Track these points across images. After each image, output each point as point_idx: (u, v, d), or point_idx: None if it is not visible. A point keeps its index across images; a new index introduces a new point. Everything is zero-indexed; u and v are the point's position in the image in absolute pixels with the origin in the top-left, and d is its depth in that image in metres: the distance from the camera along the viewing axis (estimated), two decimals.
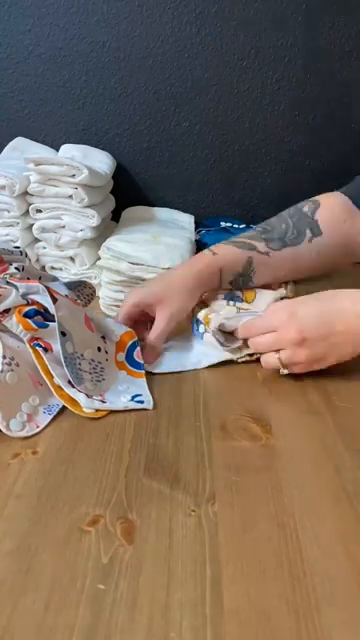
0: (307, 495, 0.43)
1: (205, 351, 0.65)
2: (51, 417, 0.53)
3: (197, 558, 0.37)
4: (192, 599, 0.34)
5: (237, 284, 0.68)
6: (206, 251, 0.67)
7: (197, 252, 0.89)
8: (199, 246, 0.93)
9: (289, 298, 0.67)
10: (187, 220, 0.99)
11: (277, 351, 0.57)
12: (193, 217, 0.99)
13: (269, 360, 0.58)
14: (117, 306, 0.79)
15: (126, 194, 1.05)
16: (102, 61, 0.99)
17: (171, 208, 1.05)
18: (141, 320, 0.66)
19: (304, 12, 0.95)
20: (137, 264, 0.77)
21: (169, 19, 0.96)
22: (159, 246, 0.81)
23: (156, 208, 1.02)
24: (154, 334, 0.64)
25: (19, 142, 1.00)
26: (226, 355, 0.63)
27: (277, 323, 0.56)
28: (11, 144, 0.99)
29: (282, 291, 0.69)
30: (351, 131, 1.03)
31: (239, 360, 0.63)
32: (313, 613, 0.33)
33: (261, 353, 0.59)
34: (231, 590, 0.35)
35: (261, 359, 0.59)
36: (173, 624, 0.32)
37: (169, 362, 0.64)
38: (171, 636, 0.32)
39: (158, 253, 0.78)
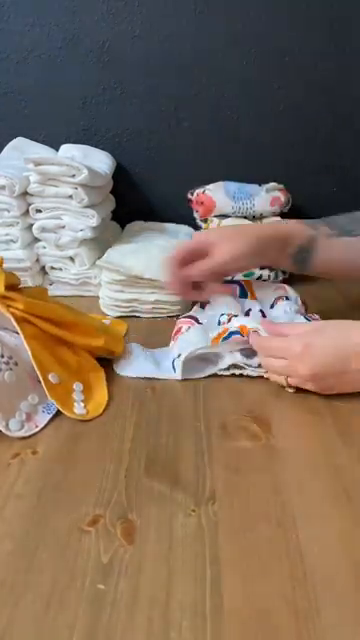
0: (307, 495, 0.43)
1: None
2: (50, 416, 0.53)
3: (197, 558, 0.37)
4: (192, 599, 0.34)
5: (299, 258, 0.68)
6: (273, 220, 0.70)
7: None
8: None
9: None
10: (185, 231, 1.00)
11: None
12: (192, 229, 1.00)
13: (276, 379, 0.57)
14: (117, 306, 0.79)
15: (126, 194, 1.05)
16: (102, 61, 0.99)
17: (171, 208, 1.06)
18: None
19: (304, 12, 0.95)
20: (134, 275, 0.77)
21: (169, 19, 0.96)
22: (154, 257, 0.82)
23: (157, 223, 1.04)
24: (206, 265, 0.64)
25: (19, 142, 1.00)
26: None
27: (291, 353, 0.54)
28: (11, 144, 0.99)
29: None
30: (354, 133, 1.03)
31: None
32: (313, 613, 0.33)
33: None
34: (231, 590, 0.35)
35: (269, 374, 0.58)
36: (173, 624, 0.32)
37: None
38: (171, 636, 0.32)
39: (152, 263, 0.79)
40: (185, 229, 1.01)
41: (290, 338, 0.55)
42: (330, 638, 0.32)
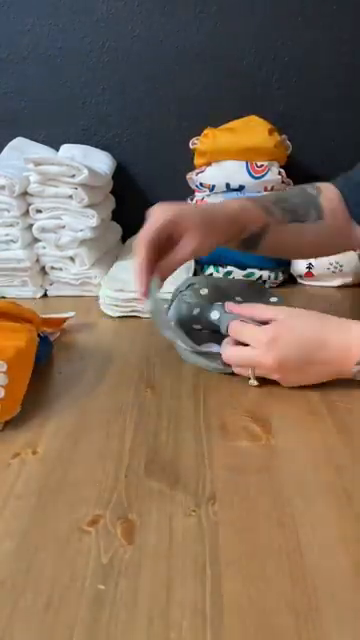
0: (307, 495, 0.43)
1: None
2: None
3: (197, 558, 0.37)
4: (192, 599, 0.34)
5: (246, 244, 0.67)
6: (233, 202, 0.65)
7: (195, 273, 0.90)
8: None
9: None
10: None
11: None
12: None
13: (242, 372, 0.58)
14: (117, 306, 0.79)
15: (126, 194, 1.05)
16: (102, 61, 0.99)
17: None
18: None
19: (304, 12, 0.95)
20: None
21: (169, 19, 0.96)
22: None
23: None
24: (181, 254, 0.59)
25: (19, 142, 1.00)
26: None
27: (259, 342, 0.55)
28: (11, 144, 0.99)
29: None
30: (352, 132, 1.03)
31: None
32: (313, 613, 0.33)
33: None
34: (231, 590, 0.35)
35: (234, 367, 0.59)
36: (173, 624, 0.32)
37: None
38: (171, 636, 0.32)
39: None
40: None
41: (260, 328, 0.56)
42: (330, 638, 0.32)
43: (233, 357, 0.58)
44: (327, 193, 0.70)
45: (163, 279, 0.60)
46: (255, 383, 0.58)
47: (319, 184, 0.71)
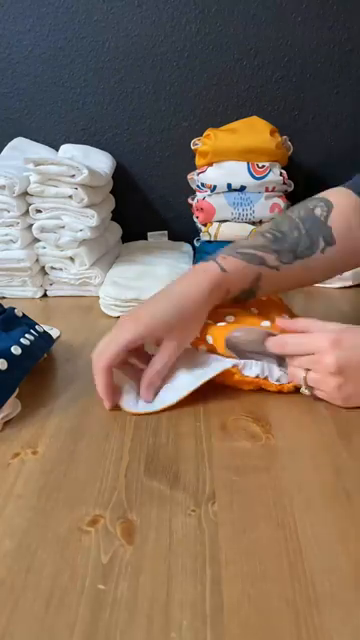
0: (307, 495, 0.43)
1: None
2: None
3: (197, 558, 0.37)
4: (192, 599, 0.34)
5: (238, 299, 0.61)
6: (213, 265, 0.58)
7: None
8: (199, 254, 0.93)
9: None
10: (185, 250, 1.01)
11: (306, 370, 0.53)
12: (190, 246, 1.01)
13: (295, 374, 0.55)
14: (117, 306, 0.79)
15: (126, 194, 1.05)
16: (102, 61, 0.99)
17: (171, 208, 1.06)
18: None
19: (304, 12, 0.95)
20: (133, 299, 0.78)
21: (169, 19, 0.96)
22: (150, 280, 0.83)
23: (152, 240, 1.05)
24: (158, 367, 0.55)
25: (19, 142, 1.00)
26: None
27: (318, 345, 0.52)
28: (11, 144, 0.99)
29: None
30: (353, 132, 1.03)
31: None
32: (313, 613, 0.33)
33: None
34: (231, 590, 0.35)
35: (288, 370, 0.56)
36: (173, 624, 0.32)
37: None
38: (171, 636, 0.32)
39: (148, 288, 0.79)
40: (186, 247, 1.02)
41: (315, 334, 0.53)
42: (330, 638, 0.32)
43: (288, 344, 0.54)
44: (339, 207, 0.62)
45: (155, 385, 0.56)
46: (307, 392, 0.54)
47: (330, 194, 0.64)
